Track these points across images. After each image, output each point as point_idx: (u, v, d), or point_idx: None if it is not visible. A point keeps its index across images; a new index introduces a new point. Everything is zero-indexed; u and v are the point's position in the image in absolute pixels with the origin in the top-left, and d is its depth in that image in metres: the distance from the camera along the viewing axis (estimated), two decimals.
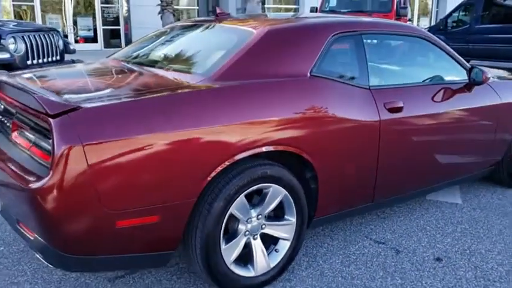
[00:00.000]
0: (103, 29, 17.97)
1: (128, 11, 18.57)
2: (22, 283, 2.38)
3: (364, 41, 2.75)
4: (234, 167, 2.12)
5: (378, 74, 2.79)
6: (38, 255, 2.01)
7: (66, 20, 17.04)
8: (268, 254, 2.37)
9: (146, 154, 1.88)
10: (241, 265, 2.30)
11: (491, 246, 2.88)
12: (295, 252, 2.48)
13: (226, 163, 2.07)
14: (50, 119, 1.76)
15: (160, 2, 16.25)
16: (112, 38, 18.28)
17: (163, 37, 3.07)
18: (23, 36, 4.97)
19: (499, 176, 3.81)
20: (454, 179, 3.36)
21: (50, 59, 5.45)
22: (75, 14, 17.43)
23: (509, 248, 2.85)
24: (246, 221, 2.27)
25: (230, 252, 2.22)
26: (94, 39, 17.64)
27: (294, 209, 2.39)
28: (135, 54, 2.95)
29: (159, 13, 16.38)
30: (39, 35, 5.27)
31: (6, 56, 4.77)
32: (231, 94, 2.16)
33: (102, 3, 18.39)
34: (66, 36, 15.99)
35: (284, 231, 2.41)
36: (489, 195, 3.73)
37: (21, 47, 4.93)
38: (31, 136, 2.01)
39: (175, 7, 17.08)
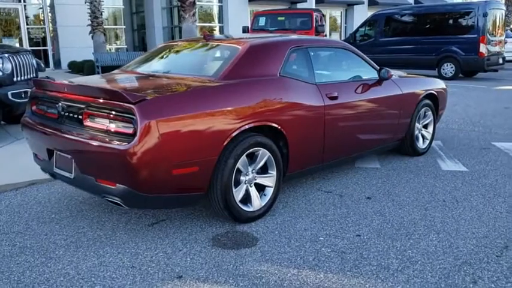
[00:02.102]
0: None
1: (55, 31, 18.77)
2: (85, 231, 3.30)
3: (310, 52, 4.00)
4: (239, 136, 3.24)
5: (320, 74, 4.04)
6: (116, 200, 2.97)
7: None
8: (260, 197, 3.51)
9: (189, 126, 2.94)
10: (244, 203, 3.40)
11: (401, 189, 4.22)
12: (276, 196, 3.63)
13: (235, 133, 3.19)
14: (132, 105, 2.78)
15: (90, 23, 16.77)
16: (40, 59, 18.35)
17: (165, 53, 4.12)
18: (8, 57, 5.67)
19: (404, 148, 5.24)
20: (374, 148, 4.71)
21: (29, 76, 6.16)
22: (1, 35, 17.34)
23: (411, 189, 4.21)
24: (246, 174, 3.39)
25: (238, 194, 3.33)
26: None
27: (275, 166, 3.55)
28: (149, 66, 3.98)
29: (90, 33, 16.89)
30: (19, 56, 5.98)
31: None
32: (234, 88, 3.30)
33: (28, 24, 18.44)
34: None
35: (269, 181, 3.56)
36: (398, 161, 5.14)
37: (8, 66, 5.62)
38: (105, 120, 2.98)
39: (105, 27, 17.62)
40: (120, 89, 2.95)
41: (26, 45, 18.01)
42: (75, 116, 3.16)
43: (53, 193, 4.14)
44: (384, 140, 4.80)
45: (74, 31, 18.03)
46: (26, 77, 6.09)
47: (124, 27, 21.43)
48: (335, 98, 3.99)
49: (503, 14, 15.00)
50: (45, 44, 19.02)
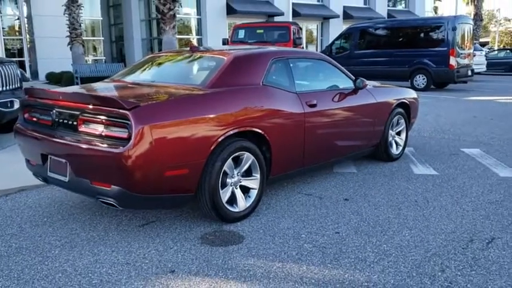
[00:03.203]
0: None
1: (32, 42, 18.71)
2: (78, 232, 3.45)
3: (290, 63, 4.27)
4: (226, 140, 3.45)
5: (299, 84, 4.30)
6: (110, 201, 3.14)
7: None
8: (245, 199, 3.72)
9: (179, 131, 3.15)
10: (230, 204, 3.61)
11: (376, 191, 4.49)
12: (260, 198, 3.85)
13: (222, 137, 3.40)
14: (127, 111, 2.97)
15: (69, 34, 16.81)
16: None
17: (153, 63, 4.32)
18: None
19: (379, 154, 5.54)
20: (351, 153, 4.98)
21: (13, 86, 6.26)
22: None
23: (387, 191, 4.49)
24: (232, 176, 3.60)
25: (224, 195, 3.53)
26: None
27: (258, 169, 3.77)
28: (139, 75, 4.18)
29: (69, 44, 16.92)
30: (3, 66, 6.08)
31: None
32: (220, 95, 3.52)
33: (4, 35, 18.33)
34: None
35: (253, 184, 3.77)
36: (374, 166, 5.43)
37: None
38: (100, 125, 3.15)
39: (83, 38, 17.66)
40: (115, 96, 3.14)
41: (2, 55, 17.88)
42: (70, 122, 3.32)
43: (43, 198, 4.27)
44: (360, 146, 5.08)
45: (52, 42, 18.03)
46: (11, 86, 6.19)
47: (102, 38, 21.49)
48: (314, 105, 4.25)
49: (471, 29, 15.69)
50: (21, 55, 18.92)
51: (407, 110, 5.82)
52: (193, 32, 22.62)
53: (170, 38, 13.75)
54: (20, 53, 18.83)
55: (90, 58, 21.15)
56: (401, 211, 3.93)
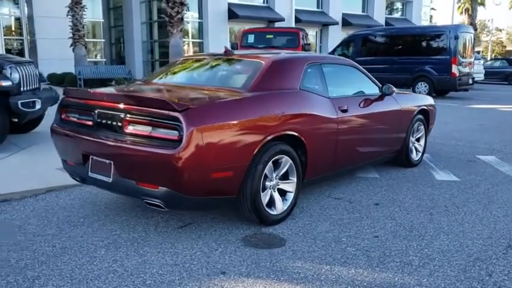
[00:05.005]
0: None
1: (33, 43, 18.61)
2: (119, 233, 3.46)
3: (323, 68, 4.31)
4: (268, 144, 3.48)
5: (331, 89, 4.35)
6: (156, 202, 3.15)
7: None
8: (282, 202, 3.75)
9: (226, 133, 3.17)
10: (269, 207, 3.63)
11: (404, 196, 4.55)
12: (296, 201, 3.88)
13: (265, 141, 3.43)
14: (178, 113, 2.99)
15: (72, 35, 16.76)
16: None
17: (188, 66, 4.34)
18: (16, 67, 5.74)
19: (400, 159, 5.59)
20: (375, 158, 5.04)
21: (33, 86, 6.24)
22: None
23: (414, 196, 4.54)
24: (271, 179, 3.63)
25: (264, 198, 3.56)
26: None
27: (295, 172, 3.80)
28: (176, 78, 4.20)
29: (71, 45, 16.86)
30: (23, 66, 6.05)
31: (8, 83, 5.51)
32: (262, 99, 3.56)
33: (5, 35, 18.22)
34: None
35: (290, 187, 3.80)
36: (395, 171, 5.48)
37: (16, 76, 5.68)
38: (148, 127, 3.16)
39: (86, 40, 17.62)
40: (165, 98, 3.16)
41: None
42: (114, 123, 3.33)
43: (74, 199, 4.26)
44: (384, 151, 5.13)
45: (53, 43, 17.95)
46: (31, 87, 6.17)
47: (103, 40, 21.43)
48: (346, 110, 4.29)
49: (472, 38, 15.90)
50: (22, 56, 18.79)
51: (427, 116, 5.89)
52: (196, 36, 22.62)
53: (177, 41, 13.78)
54: (21, 53, 18.71)
55: (90, 60, 21.08)
56: (434, 216, 3.98)
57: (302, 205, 4.19)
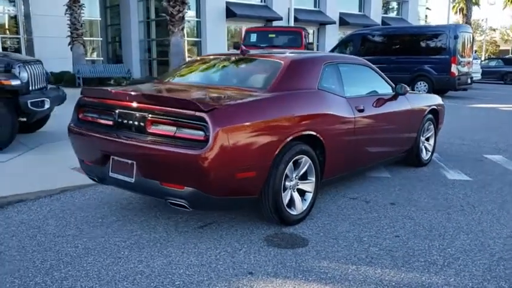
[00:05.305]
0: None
1: (30, 41, 18.46)
2: (140, 234, 3.44)
3: (339, 68, 4.31)
4: (289, 144, 3.48)
5: (348, 89, 4.35)
6: (181, 203, 3.13)
7: None
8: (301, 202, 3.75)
9: (250, 133, 3.16)
10: (289, 207, 3.63)
11: (418, 196, 4.56)
12: (314, 201, 3.87)
13: (286, 141, 3.42)
14: (204, 114, 2.97)
15: (70, 34, 16.65)
16: None
17: (205, 66, 4.33)
18: (24, 67, 5.69)
19: (410, 158, 5.61)
20: (388, 158, 5.05)
21: (41, 86, 6.19)
22: None
23: (428, 195, 4.55)
24: (291, 179, 3.62)
25: (285, 198, 3.55)
26: None
27: (314, 172, 3.80)
28: (194, 77, 4.19)
29: (69, 44, 16.75)
30: (31, 65, 6.00)
31: (18, 82, 5.46)
32: (283, 99, 3.55)
33: (1, 34, 18.07)
34: None
35: (309, 187, 3.80)
36: (405, 171, 5.50)
37: (25, 75, 5.62)
38: (172, 127, 3.14)
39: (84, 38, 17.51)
40: (190, 98, 3.14)
41: None
42: (137, 123, 3.30)
43: (90, 199, 4.23)
44: (396, 151, 5.15)
45: (51, 42, 17.80)
46: (39, 86, 6.12)
47: (101, 39, 21.31)
48: (362, 110, 4.30)
49: (471, 37, 15.97)
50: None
51: (436, 116, 5.91)
52: (194, 34, 22.55)
53: (178, 40, 13.74)
54: (17, 52, 18.55)
55: (87, 58, 20.95)
56: (451, 216, 3.99)
57: (319, 205, 4.18)
